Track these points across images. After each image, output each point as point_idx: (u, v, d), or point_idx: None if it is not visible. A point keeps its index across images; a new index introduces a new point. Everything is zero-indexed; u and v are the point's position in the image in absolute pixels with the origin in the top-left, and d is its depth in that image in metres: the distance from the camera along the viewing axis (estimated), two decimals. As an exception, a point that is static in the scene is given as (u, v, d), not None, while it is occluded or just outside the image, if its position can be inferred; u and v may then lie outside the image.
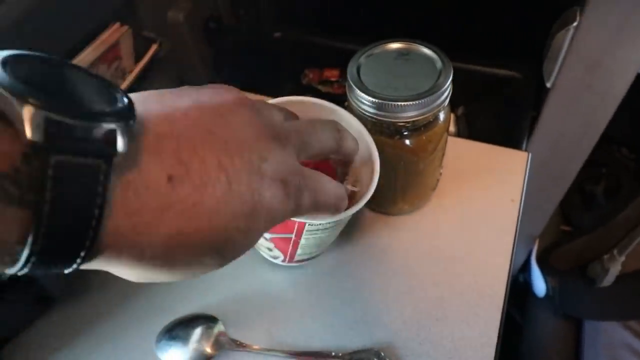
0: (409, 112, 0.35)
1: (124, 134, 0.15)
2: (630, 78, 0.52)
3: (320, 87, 0.69)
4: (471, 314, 0.39)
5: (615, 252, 0.65)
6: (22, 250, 0.14)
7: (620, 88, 0.53)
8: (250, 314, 0.41)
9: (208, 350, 0.38)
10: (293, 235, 0.34)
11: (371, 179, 0.33)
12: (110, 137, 0.15)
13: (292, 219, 0.31)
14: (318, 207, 0.25)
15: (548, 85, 0.57)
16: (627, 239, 0.62)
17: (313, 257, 0.41)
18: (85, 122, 0.14)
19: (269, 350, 0.38)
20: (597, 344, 0.70)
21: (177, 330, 0.39)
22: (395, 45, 0.38)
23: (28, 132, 0.13)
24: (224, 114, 0.21)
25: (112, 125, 0.15)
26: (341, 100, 0.39)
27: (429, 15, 0.67)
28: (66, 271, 0.16)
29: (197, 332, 0.39)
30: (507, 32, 0.65)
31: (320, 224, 0.32)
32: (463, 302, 0.40)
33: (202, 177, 0.18)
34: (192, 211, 0.18)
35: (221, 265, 0.22)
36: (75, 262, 0.16)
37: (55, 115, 0.13)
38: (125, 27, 0.48)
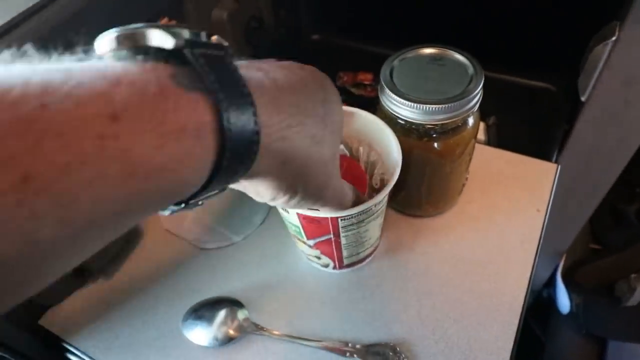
0: (439, 116, 0.36)
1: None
2: (668, 95, 0.51)
3: (353, 89, 0.70)
4: (489, 318, 0.40)
5: (643, 271, 0.63)
6: (217, 139, 0.17)
7: (657, 104, 0.53)
8: (273, 301, 0.43)
9: (231, 332, 0.40)
10: (332, 235, 0.36)
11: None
12: (219, 41, 0.19)
13: (326, 216, 0.32)
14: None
15: (583, 99, 0.57)
16: (657, 259, 0.61)
17: (362, 260, 0.42)
18: (196, 31, 0.18)
19: (288, 336, 0.40)
20: (620, 365, 0.68)
21: (203, 310, 0.42)
22: (428, 51, 0.39)
23: (173, 42, 0.17)
24: (323, 88, 0.26)
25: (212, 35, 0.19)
26: (373, 103, 0.41)
27: (465, 24, 0.68)
28: (238, 179, 0.20)
29: (222, 314, 0.41)
30: (543, 44, 0.65)
31: (351, 215, 0.33)
32: (481, 306, 0.41)
33: (282, 79, 0.22)
34: (293, 91, 0.22)
35: (335, 143, 0.26)
36: (252, 152, 0.19)
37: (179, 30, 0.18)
38: (173, 22, 0.50)
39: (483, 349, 0.38)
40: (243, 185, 0.25)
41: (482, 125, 0.67)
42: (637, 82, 0.51)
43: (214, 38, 0.19)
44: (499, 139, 0.64)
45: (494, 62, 0.69)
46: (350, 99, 0.70)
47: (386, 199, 0.36)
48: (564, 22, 0.63)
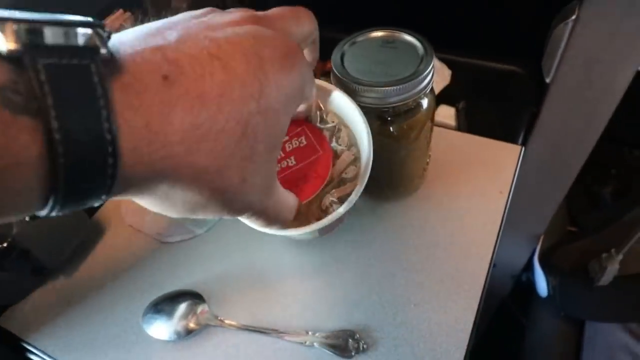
0: (391, 98, 0.35)
1: (101, 39, 0.16)
2: (629, 74, 0.51)
3: (323, 79, 0.69)
4: (449, 300, 0.40)
5: (613, 251, 0.63)
6: (47, 165, 0.14)
7: (620, 84, 0.53)
8: (235, 293, 0.42)
9: (191, 324, 0.40)
10: None
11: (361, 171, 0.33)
12: (91, 43, 0.15)
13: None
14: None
15: (547, 80, 0.57)
16: (626, 238, 0.61)
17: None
18: (60, 27, 0.15)
19: (248, 327, 0.39)
20: (596, 345, 0.68)
21: (163, 305, 0.41)
22: (380, 34, 0.39)
23: (10, 44, 0.14)
24: (198, 16, 0.21)
25: (87, 30, 0.15)
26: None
27: (431, 8, 0.67)
28: (100, 198, 0.17)
29: (182, 307, 0.41)
30: (510, 26, 0.64)
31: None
32: (442, 289, 0.40)
33: (196, 69, 0.18)
34: (198, 102, 0.17)
35: (266, 159, 0.21)
36: (105, 169, 0.16)
37: (32, 25, 0.14)
38: (129, 14, 0.49)
39: (443, 331, 0.38)
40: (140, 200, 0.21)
41: (452, 110, 0.67)
42: (598, 61, 0.51)
43: (91, 34, 0.15)
44: (469, 124, 0.64)
45: (462, 46, 0.68)
46: (320, 88, 0.69)
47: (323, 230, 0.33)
48: (529, 3, 0.62)
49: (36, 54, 0.14)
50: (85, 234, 0.46)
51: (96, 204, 0.17)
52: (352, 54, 0.38)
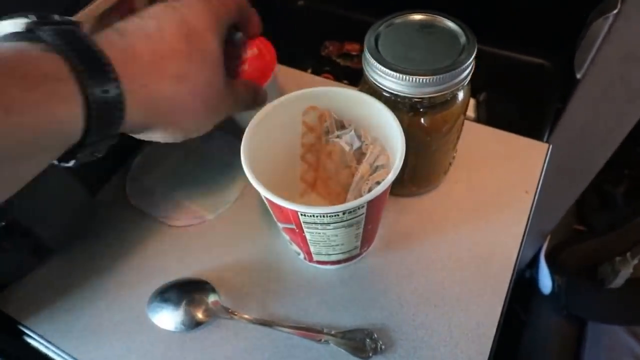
0: (427, 88, 0.33)
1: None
2: (666, 74, 0.49)
3: (339, 60, 0.67)
4: (471, 303, 0.38)
5: (628, 255, 0.62)
6: (74, 80, 0.20)
7: (655, 83, 0.50)
8: (246, 284, 0.40)
9: (199, 315, 0.38)
10: (294, 226, 0.33)
11: (391, 169, 0.31)
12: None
13: (284, 205, 0.30)
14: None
15: (578, 75, 0.54)
16: (642, 242, 0.60)
17: (335, 263, 0.39)
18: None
19: (260, 321, 0.37)
20: (599, 346, 0.68)
21: (170, 293, 0.39)
22: (418, 17, 0.36)
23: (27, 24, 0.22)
24: None
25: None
26: (360, 75, 0.37)
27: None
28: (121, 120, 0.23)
29: (190, 296, 0.39)
30: (539, 17, 0.61)
31: (312, 215, 0.30)
32: (464, 291, 0.39)
33: (136, 26, 0.24)
34: (146, 37, 0.24)
35: (224, 92, 0.28)
36: (112, 83, 0.22)
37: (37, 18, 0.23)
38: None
39: (464, 335, 0.36)
40: (147, 137, 0.27)
41: (472, 101, 0.64)
42: (635, 59, 0.49)
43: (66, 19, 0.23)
44: (489, 117, 0.61)
45: (487, 35, 0.65)
46: (336, 70, 0.66)
47: (364, 210, 0.31)
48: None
49: (41, 25, 0.22)
50: (89, 213, 0.44)
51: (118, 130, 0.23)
52: (388, 37, 0.35)
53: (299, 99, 0.36)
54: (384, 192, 0.31)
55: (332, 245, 0.35)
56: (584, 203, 0.83)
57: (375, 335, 0.36)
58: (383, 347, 0.36)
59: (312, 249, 0.36)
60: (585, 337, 0.71)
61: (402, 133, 0.32)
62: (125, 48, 0.23)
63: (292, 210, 0.30)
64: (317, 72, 0.65)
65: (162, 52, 0.24)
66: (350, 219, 0.31)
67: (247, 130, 0.34)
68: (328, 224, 0.31)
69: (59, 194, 0.40)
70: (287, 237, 0.37)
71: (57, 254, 0.43)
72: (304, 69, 0.65)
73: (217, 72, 0.27)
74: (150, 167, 0.48)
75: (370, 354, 0.36)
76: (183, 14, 0.26)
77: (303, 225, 0.32)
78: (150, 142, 0.28)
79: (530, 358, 0.78)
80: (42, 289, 0.41)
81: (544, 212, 0.73)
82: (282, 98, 0.36)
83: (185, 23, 0.26)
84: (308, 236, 0.34)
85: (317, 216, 0.30)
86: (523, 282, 0.90)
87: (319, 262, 0.39)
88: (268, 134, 0.35)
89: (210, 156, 0.48)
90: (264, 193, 0.30)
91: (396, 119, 0.33)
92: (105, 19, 0.43)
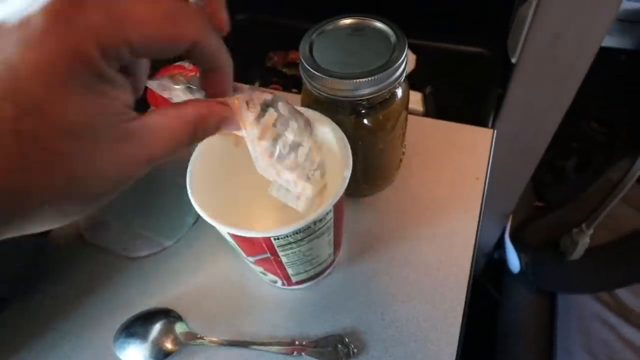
0: (364, 90, 0.33)
1: None
2: (593, 49, 0.52)
3: (285, 69, 0.67)
4: (437, 293, 0.39)
5: (583, 226, 0.65)
6: None
7: (584, 60, 0.53)
8: (212, 306, 0.40)
9: (168, 346, 0.37)
10: (269, 254, 0.32)
11: (340, 176, 0.30)
12: None
13: (253, 235, 0.28)
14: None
15: (513, 60, 0.56)
16: (595, 212, 0.63)
17: (315, 277, 0.38)
18: None
19: (231, 342, 0.37)
20: (569, 317, 0.70)
21: (135, 326, 0.38)
22: (348, 21, 0.37)
23: None
24: None
25: None
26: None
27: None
28: None
29: (156, 327, 0.38)
30: (474, 9, 0.63)
31: (285, 235, 0.29)
32: (428, 282, 0.39)
33: None
34: None
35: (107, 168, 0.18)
36: None
37: None
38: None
39: (433, 328, 0.37)
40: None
41: (419, 95, 0.66)
42: (562, 38, 0.51)
43: None
44: (437, 109, 0.63)
45: (426, 31, 0.67)
46: (283, 80, 0.66)
47: (332, 215, 0.31)
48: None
49: None
50: (43, 255, 0.42)
51: None
52: (321, 44, 0.36)
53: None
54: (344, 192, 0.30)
55: (309, 261, 0.35)
56: (539, 179, 0.86)
57: (347, 340, 0.36)
58: (355, 350, 0.36)
59: (290, 271, 0.35)
60: (557, 309, 0.73)
61: (338, 128, 0.32)
62: None
63: (264, 238, 0.29)
64: (265, 84, 0.65)
65: None
66: (322, 228, 0.31)
67: (189, 166, 0.32)
68: (302, 239, 0.31)
69: (8, 240, 0.38)
70: (258, 269, 0.36)
71: (13, 303, 0.41)
72: (252, 82, 0.65)
73: (85, 154, 0.17)
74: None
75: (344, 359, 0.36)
76: (10, 65, 0.15)
77: (277, 250, 0.31)
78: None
79: (508, 336, 0.80)
80: (2, 340, 0.39)
81: (502, 195, 0.75)
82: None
83: (14, 87, 0.15)
84: (284, 259, 0.33)
85: (290, 235, 0.29)
86: (493, 263, 0.92)
87: (298, 283, 0.38)
88: (213, 163, 0.34)
89: (162, 179, 0.47)
90: (228, 230, 0.28)
91: (327, 119, 0.33)
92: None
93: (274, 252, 0.31)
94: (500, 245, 0.87)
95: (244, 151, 0.26)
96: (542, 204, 0.88)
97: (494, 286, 0.92)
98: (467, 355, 0.49)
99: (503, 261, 0.87)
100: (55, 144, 0.16)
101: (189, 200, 0.30)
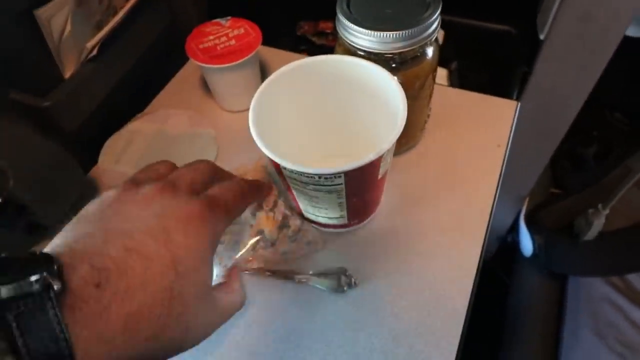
0: (397, 44, 0.35)
1: (52, 276, 0.19)
2: (620, 31, 0.52)
3: (314, 38, 0.69)
4: (453, 249, 0.40)
5: (600, 206, 0.66)
6: None
7: (610, 41, 0.53)
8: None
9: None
10: (283, 178, 0.34)
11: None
12: (45, 283, 0.18)
13: (266, 153, 0.31)
14: (231, 209, 0.28)
15: (541, 37, 0.57)
16: (612, 194, 0.63)
17: (322, 224, 0.40)
18: (13, 283, 0.18)
19: (239, 268, 0.39)
20: (579, 299, 0.71)
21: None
22: (386, -20, 0.38)
23: None
24: (113, 206, 0.25)
25: (37, 277, 0.18)
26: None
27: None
28: None
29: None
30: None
31: (291, 170, 0.31)
32: (445, 239, 0.41)
33: (119, 267, 0.21)
34: (127, 295, 0.21)
35: (198, 302, 0.24)
36: None
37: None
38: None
39: (447, 279, 0.39)
40: None
41: (444, 71, 0.67)
42: (592, 19, 0.52)
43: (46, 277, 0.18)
44: (461, 85, 0.64)
45: (454, 6, 0.68)
46: (312, 49, 0.68)
47: (342, 180, 0.32)
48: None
49: (5, 305, 0.17)
50: (82, 189, 0.45)
51: None
52: (358, 0, 0.37)
53: (305, 66, 0.36)
54: (369, 166, 0.31)
55: (316, 207, 0.37)
56: (559, 166, 0.87)
57: (349, 272, 0.39)
58: (356, 282, 0.39)
59: (300, 204, 0.38)
60: (566, 292, 0.74)
61: (402, 92, 0.33)
62: (99, 314, 0.20)
63: (274, 162, 0.31)
64: (294, 50, 0.67)
65: (139, 316, 0.21)
66: (328, 185, 0.32)
67: (254, 97, 0.34)
68: (307, 183, 0.33)
69: (51, 171, 0.41)
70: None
71: (52, 231, 0.44)
72: (282, 49, 0.67)
73: (197, 317, 0.24)
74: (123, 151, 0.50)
75: (346, 288, 0.38)
76: (175, 250, 0.23)
77: (287, 179, 0.34)
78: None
79: (517, 319, 0.81)
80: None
81: (520, 175, 0.76)
82: (288, 67, 0.36)
83: (174, 263, 0.23)
84: (293, 190, 0.36)
85: (295, 172, 0.31)
86: (506, 247, 0.93)
87: (310, 221, 0.41)
88: (274, 101, 0.36)
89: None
90: (257, 141, 0.31)
91: (395, 78, 0.34)
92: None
93: (284, 179, 0.34)
94: (514, 228, 0.88)
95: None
96: (559, 192, 0.89)
97: (504, 270, 0.94)
98: (476, 336, 0.51)
99: (516, 245, 0.88)
100: (189, 301, 0.23)
101: None
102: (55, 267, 0.19)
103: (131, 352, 0.21)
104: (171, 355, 0.24)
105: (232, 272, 0.34)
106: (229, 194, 0.28)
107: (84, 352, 0.19)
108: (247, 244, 0.38)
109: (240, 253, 0.38)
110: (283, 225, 0.40)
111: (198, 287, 0.24)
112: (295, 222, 0.40)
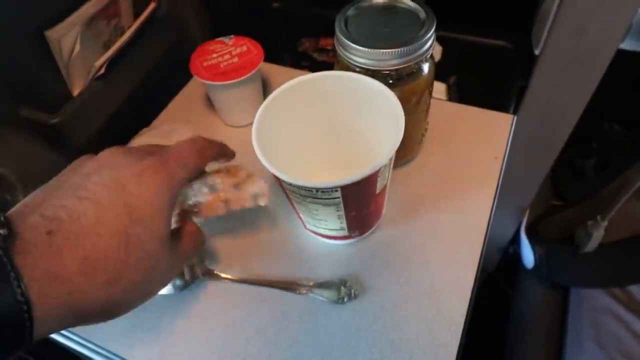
0: (393, 60, 0.36)
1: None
2: (614, 45, 0.53)
3: (315, 55, 0.70)
4: (451, 259, 0.41)
5: (599, 218, 0.66)
6: None
7: (605, 55, 0.54)
8: (227, 246, 0.44)
9: (186, 278, 0.41)
10: (284, 190, 0.35)
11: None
12: None
13: (266, 166, 0.32)
14: (187, 163, 0.29)
15: (536, 52, 0.58)
16: (611, 205, 0.64)
17: (324, 235, 0.41)
18: None
19: (241, 280, 0.41)
20: (581, 310, 0.72)
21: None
22: (381, 0, 0.40)
23: None
24: (73, 168, 0.26)
25: None
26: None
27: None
28: (24, 342, 0.20)
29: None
30: (499, 2, 0.66)
31: (289, 183, 0.32)
32: (443, 249, 0.42)
33: (72, 215, 0.22)
34: (80, 238, 0.22)
35: (155, 248, 0.25)
36: (22, 321, 0.20)
37: None
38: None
39: (446, 288, 0.39)
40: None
41: (442, 86, 0.68)
42: (585, 33, 0.53)
43: None
44: (460, 99, 0.65)
45: (452, 23, 0.70)
46: (314, 65, 0.70)
47: (339, 194, 0.32)
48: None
49: None
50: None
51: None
52: (355, 19, 0.39)
53: (306, 82, 0.38)
54: (366, 181, 0.31)
55: (316, 219, 0.38)
56: (559, 178, 0.88)
57: (349, 283, 0.39)
58: (356, 293, 0.39)
59: (302, 216, 0.39)
60: (569, 304, 0.75)
61: (400, 106, 0.34)
62: (51, 256, 0.21)
63: (274, 175, 0.32)
64: (296, 67, 0.69)
65: (94, 259, 0.22)
66: (325, 199, 0.33)
67: (258, 112, 0.35)
68: (305, 196, 0.34)
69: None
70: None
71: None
72: (284, 65, 0.68)
73: (158, 261, 0.26)
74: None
75: (345, 300, 0.39)
76: (129, 199, 0.24)
77: (288, 192, 0.35)
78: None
79: (519, 330, 0.81)
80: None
81: (520, 187, 0.77)
82: (291, 83, 0.37)
83: (128, 210, 0.24)
84: (295, 203, 0.37)
85: (294, 186, 0.32)
86: (507, 258, 0.94)
87: (311, 231, 0.42)
88: (277, 116, 0.37)
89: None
90: (260, 156, 0.32)
91: (392, 93, 0.35)
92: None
93: (284, 190, 0.35)
94: (515, 240, 0.89)
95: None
96: (559, 203, 0.89)
97: (507, 283, 0.94)
98: (479, 347, 0.51)
99: (517, 257, 0.88)
100: (147, 246, 0.24)
101: None
102: (2, 218, 0.21)
103: (92, 295, 0.22)
104: (138, 302, 0.26)
105: (183, 216, 0.33)
106: (184, 149, 0.29)
107: (39, 290, 0.20)
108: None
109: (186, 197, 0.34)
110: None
111: (154, 232, 0.25)
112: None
